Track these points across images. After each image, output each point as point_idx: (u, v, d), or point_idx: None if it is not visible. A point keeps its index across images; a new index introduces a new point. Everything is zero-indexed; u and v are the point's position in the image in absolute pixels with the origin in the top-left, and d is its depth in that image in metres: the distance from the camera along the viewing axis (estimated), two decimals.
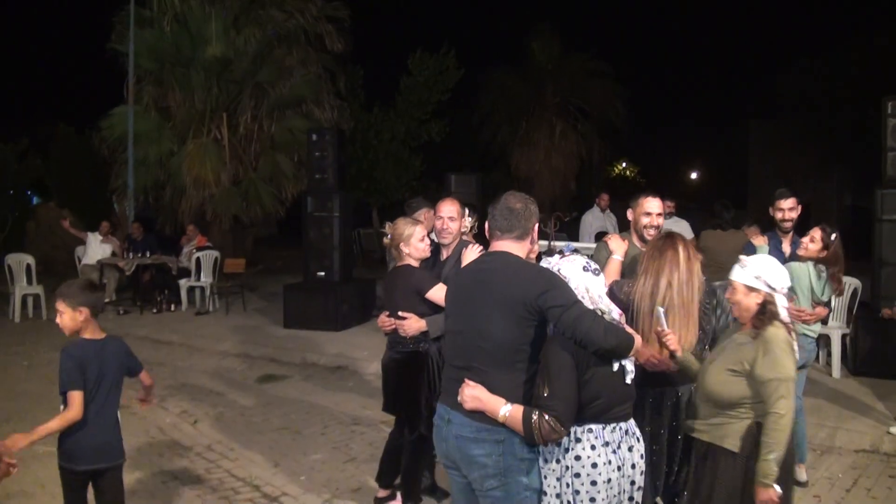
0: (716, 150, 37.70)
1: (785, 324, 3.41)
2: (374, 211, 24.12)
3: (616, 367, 3.06)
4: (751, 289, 3.36)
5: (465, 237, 6.42)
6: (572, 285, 3.07)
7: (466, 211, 5.74)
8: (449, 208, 5.04)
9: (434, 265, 5.08)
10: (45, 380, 8.04)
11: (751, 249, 5.70)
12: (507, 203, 3.21)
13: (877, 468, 6.08)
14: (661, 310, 3.76)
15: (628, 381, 3.12)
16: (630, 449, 3.14)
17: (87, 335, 3.84)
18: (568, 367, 2.95)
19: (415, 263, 4.87)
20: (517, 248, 3.19)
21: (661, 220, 4.79)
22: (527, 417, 2.91)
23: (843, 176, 21.41)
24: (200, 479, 5.75)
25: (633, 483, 3.14)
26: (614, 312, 3.13)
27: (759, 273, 3.37)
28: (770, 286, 3.35)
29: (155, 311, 13.08)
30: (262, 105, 16.46)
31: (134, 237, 13.94)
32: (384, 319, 4.94)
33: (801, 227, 5.95)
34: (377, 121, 22.40)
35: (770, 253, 5.55)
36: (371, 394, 7.83)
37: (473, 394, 3.01)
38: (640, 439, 3.23)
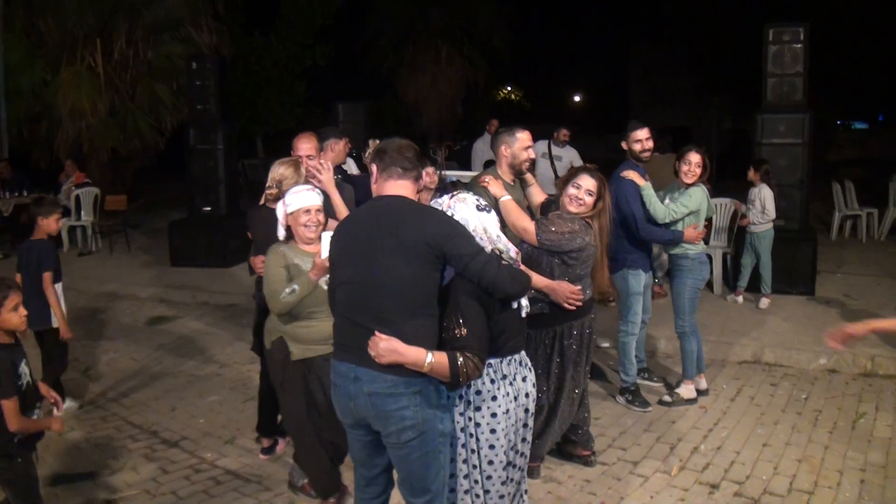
0: (598, 73, 38.23)
1: None
2: (259, 140, 23.48)
3: (514, 304, 3.17)
4: None
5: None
6: (470, 227, 3.08)
7: (369, 143, 5.59)
8: (307, 146, 4.80)
9: None
10: None
11: (632, 189, 5.59)
12: (402, 144, 3.15)
13: (759, 377, 6.46)
14: None
15: (523, 314, 3.24)
16: (524, 379, 3.27)
17: None
18: (480, 306, 3.00)
19: None
20: (412, 190, 3.10)
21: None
22: (452, 361, 2.85)
23: (723, 101, 21.96)
24: (96, 428, 5.58)
25: (526, 411, 3.28)
26: (511, 251, 3.18)
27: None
28: None
29: None
30: (136, 28, 15.57)
31: (3, 176, 13.12)
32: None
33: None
34: (258, 45, 21.59)
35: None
36: None
37: (390, 347, 2.83)
38: (532, 369, 3.37)
